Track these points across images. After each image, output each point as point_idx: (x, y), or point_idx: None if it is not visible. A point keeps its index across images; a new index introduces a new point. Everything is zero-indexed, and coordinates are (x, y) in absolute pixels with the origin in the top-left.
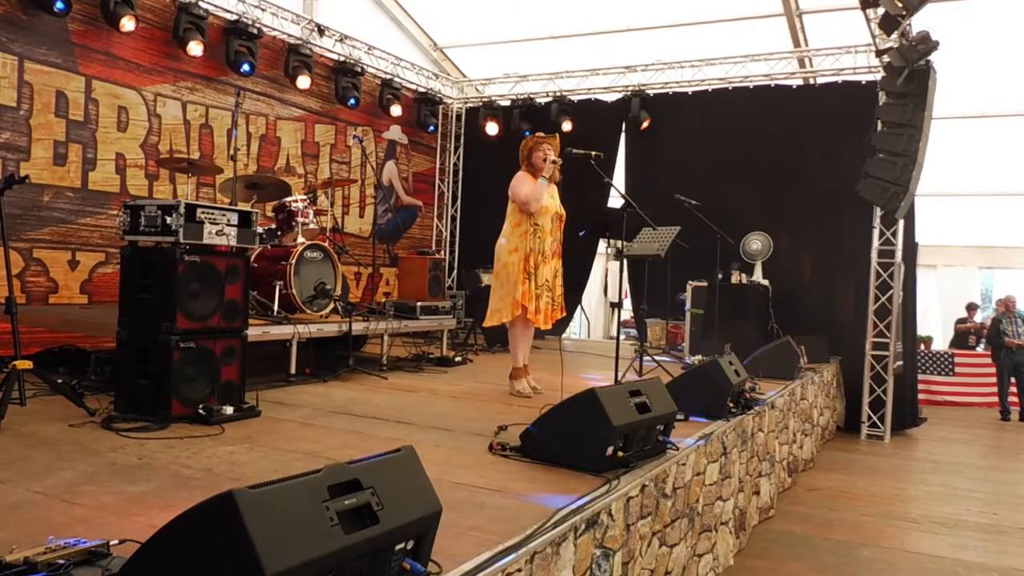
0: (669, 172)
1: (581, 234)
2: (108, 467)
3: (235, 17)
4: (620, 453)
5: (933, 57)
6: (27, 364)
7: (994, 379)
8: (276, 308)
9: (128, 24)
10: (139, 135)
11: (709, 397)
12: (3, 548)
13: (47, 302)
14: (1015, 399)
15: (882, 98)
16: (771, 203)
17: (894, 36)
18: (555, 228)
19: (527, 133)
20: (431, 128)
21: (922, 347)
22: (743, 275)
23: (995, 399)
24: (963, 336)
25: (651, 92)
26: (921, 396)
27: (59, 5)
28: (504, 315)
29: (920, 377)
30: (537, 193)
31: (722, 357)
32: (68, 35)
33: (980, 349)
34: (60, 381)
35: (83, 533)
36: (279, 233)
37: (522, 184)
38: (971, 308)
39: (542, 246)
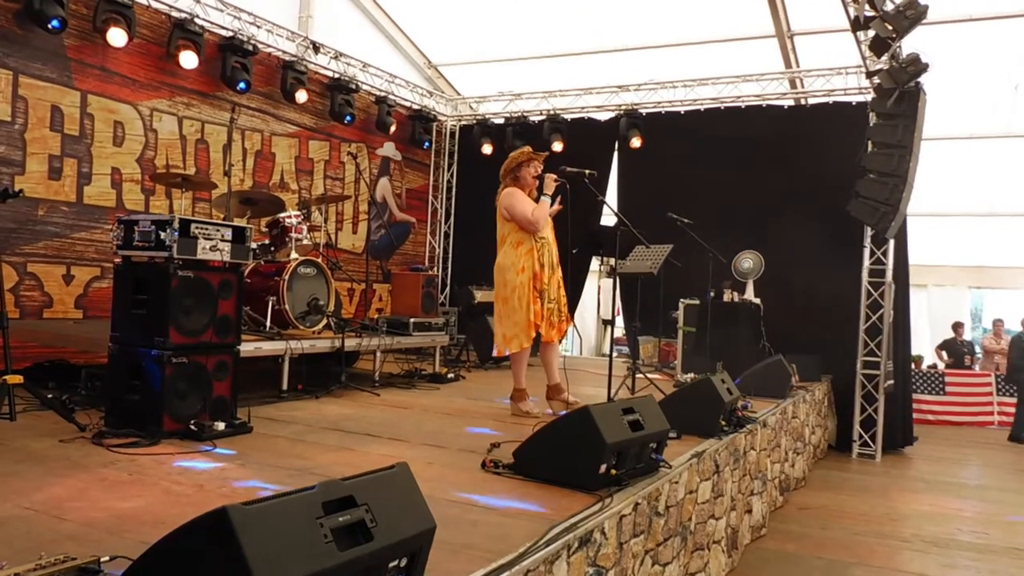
0: (662, 191)
1: (574, 252)
2: (99, 483)
3: (230, 34)
4: (613, 471)
5: (923, 79)
6: (17, 379)
7: (986, 398)
8: (269, 324)
9: (117, 38)
10: (135, 150)
11: (701, 415)
12: None
13: (41, 316)
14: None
15: (872, 119)
16: (763, 222)
17: (884, 58)
18: (553, 237)
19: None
20: (425, 145)
21: (913, 366)
22: (735, 293)
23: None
24: (956, 351)
25: (644, 111)
26: (912, 415)
27: (54, 23)
28: (523, 340)
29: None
30: (545, 213)
31: (714, 375)
32: (63, 50)
33: (978, 368)
34: (50, 396)
35: (73, 549)
36: (272, 248)
37: (521, 202)
38: (958, 327)
39: (551, 259)
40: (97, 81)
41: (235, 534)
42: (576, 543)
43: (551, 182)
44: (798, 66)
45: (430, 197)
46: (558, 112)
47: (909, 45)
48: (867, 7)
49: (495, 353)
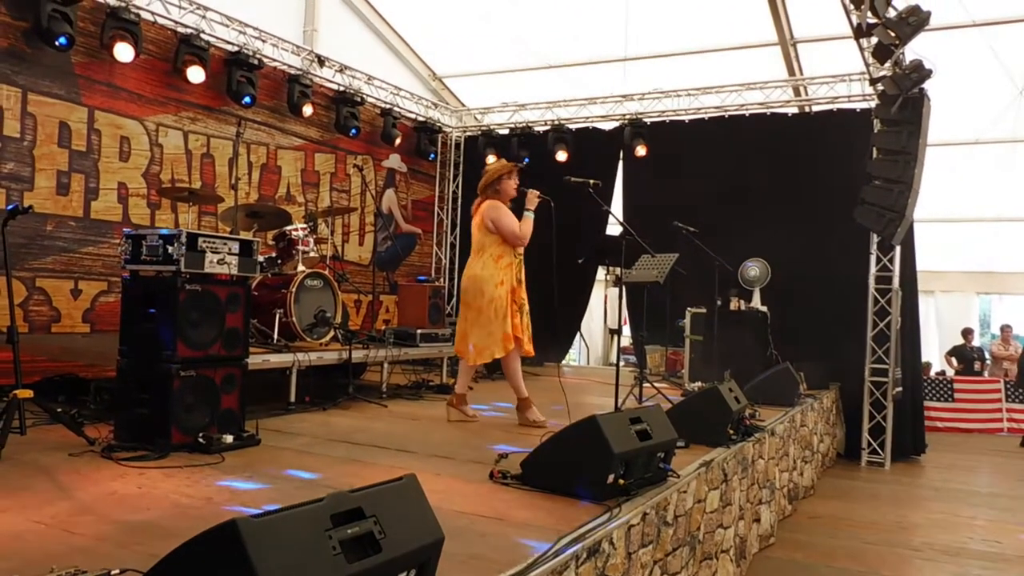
0: (667, 199)
1: (580, 261)
2: (108, 496)
3: (236, 48)
4: (621, 481)
5: (927, 84)
6: (28, 393)
7: (995, 405)
8: (276, 336)
9: (124, 53)
10: (141, 165)
11: (709, 424)
12: None
13: (49, 331)
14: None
15: (877, 125)
16: (769, 230)
17: (888, 65)
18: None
19: (526, 160)
20: (430, 156)
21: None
22: (742, 301)
23: (996, 425)
24: (966, 357)
25: (648, 120)
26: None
27: (61, 40)
28: (496, 351)
29: None
30: (530, 230)
31: (722, 384)
32: (71, 67)
33: (987, 374)
34: (60, 410)
35: (84, 563)
36: (279, 261)
37: (508, 216)
38: (967, 333)
39: (522, 274)
40: (104, 97)
41: (245, 547)
42: (585, 553)
43: (534, 198)
44: (801, 74)
45: (436, 208)
46: (562, 122)
47: (912, 51)
48: (870, 14)
49: (469, 363)
